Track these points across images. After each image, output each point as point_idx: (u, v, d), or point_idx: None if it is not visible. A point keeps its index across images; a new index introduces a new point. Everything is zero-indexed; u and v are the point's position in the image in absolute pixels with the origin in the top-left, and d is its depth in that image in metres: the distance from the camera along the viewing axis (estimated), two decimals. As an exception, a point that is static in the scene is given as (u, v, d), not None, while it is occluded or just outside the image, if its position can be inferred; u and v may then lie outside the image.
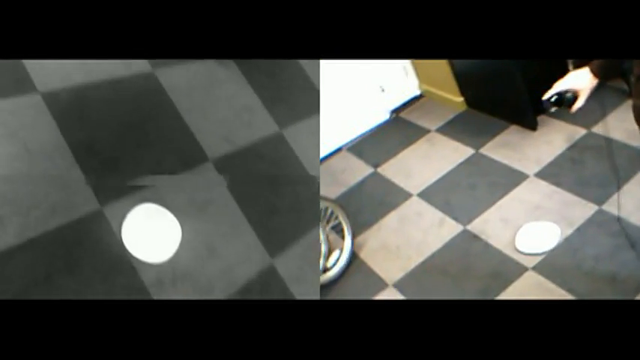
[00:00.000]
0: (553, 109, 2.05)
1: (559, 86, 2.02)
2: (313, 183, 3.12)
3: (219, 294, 2.34)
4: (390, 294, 3.13)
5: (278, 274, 2.58)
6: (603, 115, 3.70)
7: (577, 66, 3.84)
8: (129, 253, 2.17)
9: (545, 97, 2.05)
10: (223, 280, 2.39)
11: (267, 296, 2.48)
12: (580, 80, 1.97)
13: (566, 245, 2.95)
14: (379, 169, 4.24)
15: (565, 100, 1.99)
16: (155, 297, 2.15)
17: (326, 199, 3.41)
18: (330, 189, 4.21)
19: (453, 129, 4.35)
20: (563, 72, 3.87)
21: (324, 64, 4.40)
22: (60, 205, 2.07)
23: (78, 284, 1.96)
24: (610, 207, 3.06)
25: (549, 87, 3.92)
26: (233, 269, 2.44)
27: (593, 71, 1.93)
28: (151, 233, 2.28)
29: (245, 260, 2.51)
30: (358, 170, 4.33)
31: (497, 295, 2.85)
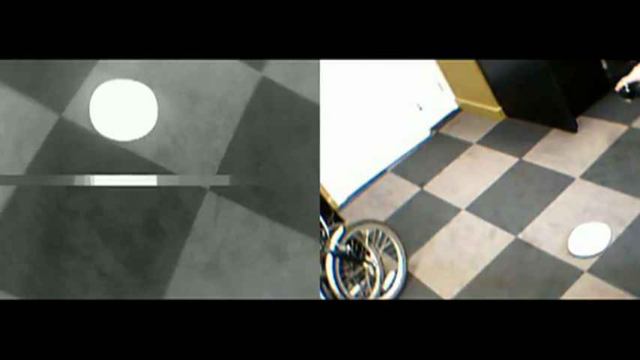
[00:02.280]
0: (628, 101, 2.09)
1: (628, 78, 2.05)
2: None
3: (226, 131, 2.25)
4: (448, 310, 3.17)
5: (275, 83, 2.45)
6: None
7: (611, 65, 3.85)
8: (118, 141, 2.08)
9: (618, 87, 2.08)
10: (224, 113, 2.28)
11: (273, 108, 2.38)
12: None
13: (619, 244, 2.95)
14: (425, 187, 4.30)
15: (636, 90, 2.03)
16: (166, 166, 2.10)
17: (375, 221, 3.50)
18: (378, 211, 4.30)
19: (494, 139, 4.39)
20: (597, 72, 3.89)
21: (359, 90, 4.51)
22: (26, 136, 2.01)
23: (91, 196, 1.97)
24: (660, 201, 3.05)
25: (585, 88, 3.93)
26: (227, 100, 2.33)
27: None
28: (124, 105, 2.16)
29: (234, 87, 2.37)
30: (404, 190, 4.40)
31: (555, 301, 2.87)
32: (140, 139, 2.14)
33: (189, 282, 2.02)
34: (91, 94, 2.13)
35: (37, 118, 2.01)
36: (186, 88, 2.30)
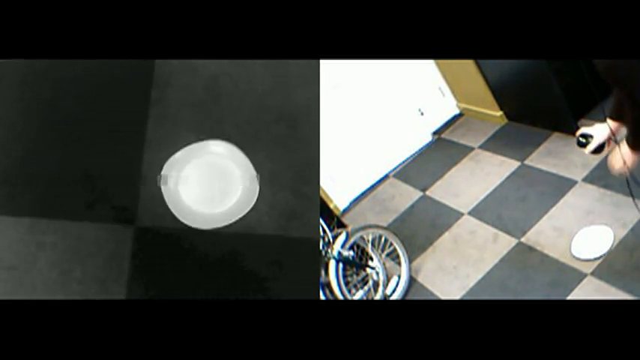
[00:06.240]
0: (583, 150, 2.20)
1: (586, 129, 2.17)
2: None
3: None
4: (452, 314, 3.17)
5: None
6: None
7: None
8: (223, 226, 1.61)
9: (578, 133, 2.19)
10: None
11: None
12: (597, 130, 2.13)
13: (622, 247, 2.94)
14: (428, 192, 4.30)
15: (587, 142, 2.15)
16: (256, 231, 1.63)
17: (378, 227, 3.50)
18: (381, 217, 4.30)
19: (496, 144, 4.39)
20: (598, 75, 3.88)
21: (361, 96, 4.52)
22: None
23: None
24: (663, 203, 3.04)
25: (586, 91, 3.91)
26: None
27: (609, 117, 2.09)
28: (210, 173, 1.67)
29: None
30: (407, 195, 4.40)
31: (559, 304, 2.86)
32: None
33: None
34: (158, 185, 1.65)
35: (110, 242, 1.57)
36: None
